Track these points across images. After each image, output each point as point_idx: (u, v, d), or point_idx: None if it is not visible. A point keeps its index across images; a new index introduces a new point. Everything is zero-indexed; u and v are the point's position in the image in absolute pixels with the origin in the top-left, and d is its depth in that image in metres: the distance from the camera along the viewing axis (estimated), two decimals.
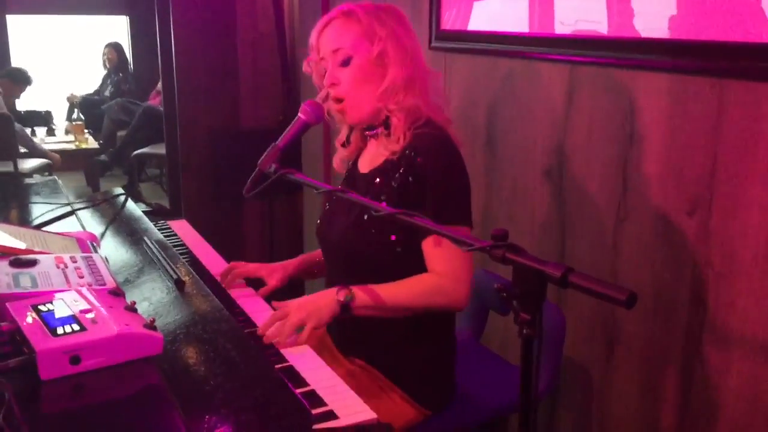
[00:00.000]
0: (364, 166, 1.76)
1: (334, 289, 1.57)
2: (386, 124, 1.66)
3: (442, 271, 1.58)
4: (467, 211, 1.63)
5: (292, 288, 1.92)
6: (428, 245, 1.59)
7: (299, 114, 1.69)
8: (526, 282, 1.08)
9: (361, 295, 1.56)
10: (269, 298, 1.76)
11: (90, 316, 1.23)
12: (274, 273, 1.87)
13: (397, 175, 1.62)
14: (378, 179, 1.67)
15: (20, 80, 6.38)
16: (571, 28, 2.02)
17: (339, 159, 1.85)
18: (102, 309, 1.26)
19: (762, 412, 1.62)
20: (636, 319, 1.93)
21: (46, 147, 6.20)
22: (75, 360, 1.15)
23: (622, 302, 0.96)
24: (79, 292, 1.33)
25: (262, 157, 1.65)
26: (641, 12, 1.81)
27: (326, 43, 1.66)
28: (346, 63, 1.63)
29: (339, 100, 1.66)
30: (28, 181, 5.02)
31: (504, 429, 2.26)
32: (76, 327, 1.19)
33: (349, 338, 1.77)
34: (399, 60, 1.62)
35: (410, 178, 1.59)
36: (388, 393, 1.69)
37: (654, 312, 1.87)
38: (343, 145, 1.83)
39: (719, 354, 1.71)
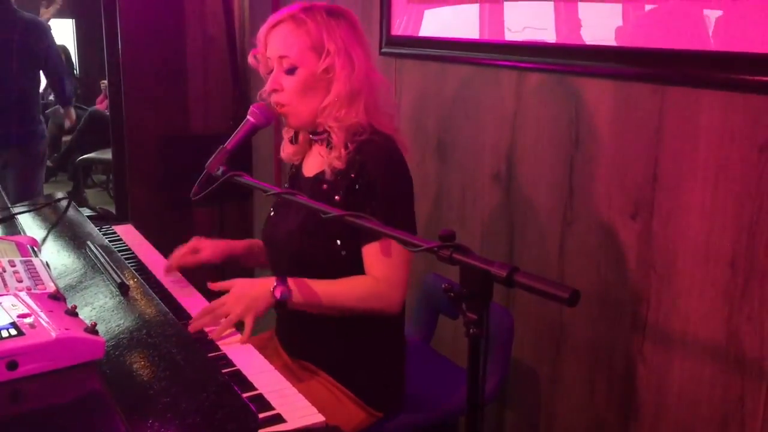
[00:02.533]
0: (309, 169, 1.76)
1: (271, 280, 1.56)
2: (329, 136, 1.66)
3: (380, 276, 1.59)
4: (411, 219, 1.65)
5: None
6: (368, 250, 1.60)
7: (248, 116, 1.67)
8: (473, 282, 1.08)
9: (297, 290, 1.57)
10: (205, 274, 1.76)
11: (28, 320, 1.20)
12: (212, 246, 1.88)
13: (342, 183, 1.62)
14: (323, 185, 1.67)
15: None
16: (520, 36, 2.05)
17: (286, 153, 1.84)
18: (41, 313, 1.23)
19: (703, 410, 1.66)
20: (582, 320, 1.96)
21: None
22: (12, 365, 1.11)
23: (565, 300, 0.97)
24: (17, 297, 1.29)
25: (210, 159, 1.63)
26: (589, 24, 1.85)
27: (273, 46, 1.65)
28: (291, 72, 1.62)
29: (280, 105, 1.66)
30: None
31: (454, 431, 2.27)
32: (13, 332, 1.15)
33: (297, 341, 1.76)
34: (345, 76, 1.61)
35: (356, 186, 1.60)
36: (337, 396, 1.68)
37: (599, 313, 1.90)
38: (291, 141, 1.82)
39: (662, 354, 1.75)
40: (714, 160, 1.58)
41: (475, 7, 2.19)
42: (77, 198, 5.06)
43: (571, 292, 0.97)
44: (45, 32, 4.05)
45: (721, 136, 1.57)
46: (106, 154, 5.13)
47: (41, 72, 4.13)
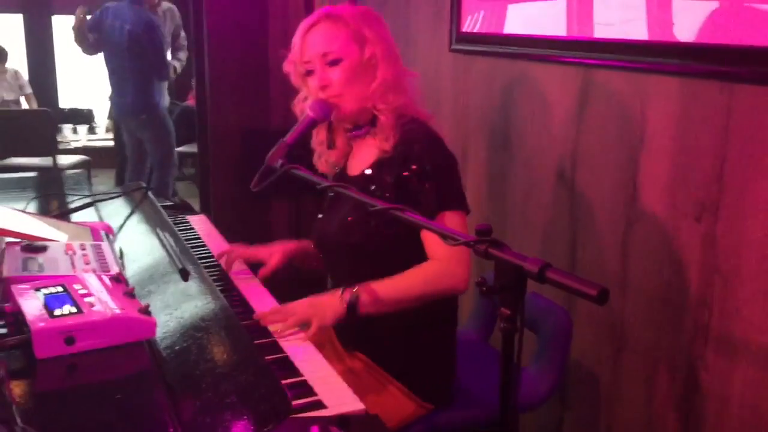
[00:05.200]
0: (354, 168, 1.79)
1: (338, 291, 1.59)
2: (372, 122, 1.70)
3: (442, 256, 1.60)
4: (463, 198, 1.67)
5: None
6: (427, 233, 1.61)
7: (307, 111, 1.72)
8: (507, 277, 1.09)
9: (365, 295, 1.57)
10: (270, 281, 1.79)
11: (89, 300, 1.28)
12: (273, 254, 1.90)
13: (393, 170, 1.64)
14: (373, 177, 1.69)
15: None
16: (611, 30, 1.97)
17: (325, 161, 1.87)
18: (101, 293, 1.31)
19: (765, 419, 1.60)
20: (643, 323, 1.91)
21: (87, 144, 6.38)
22: (70, 341, 1.19)
23: (593, 298, 0.96)
24: (83, 278, 1.38)
25: (271, 152, 1.69)
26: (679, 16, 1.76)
27: (313, 47, 1.68)
28: (335, 64, 1.66)
29: (335, 97, 1.68)
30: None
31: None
32: (73, 309, 1.23)
33: (350, 333, 1.79)
34: (388, 61, 1.67)
35: (406, 172, 1.62)
36: (387, 387, 1.70)
37: (661, 316, 1.86)
38: (328, 147, 1.85)
39: (723, 360, 1.69)
40: None
41: (562, 2, 2.11)
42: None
43: (599, 289, 0.97)
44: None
45: None
46: (194, 148, 5.34)
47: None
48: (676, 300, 1.80)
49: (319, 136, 1.85)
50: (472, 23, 2.52)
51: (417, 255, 1.64)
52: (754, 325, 1.61)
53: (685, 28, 1.71)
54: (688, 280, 1.76)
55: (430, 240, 1.62)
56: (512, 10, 2.31)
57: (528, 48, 2.25)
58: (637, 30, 1.85)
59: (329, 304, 1.58)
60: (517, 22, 2.30)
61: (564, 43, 2.09)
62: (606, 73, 1.98)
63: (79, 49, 5.17)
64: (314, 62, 1.68)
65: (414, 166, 1.62)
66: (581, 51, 2.04)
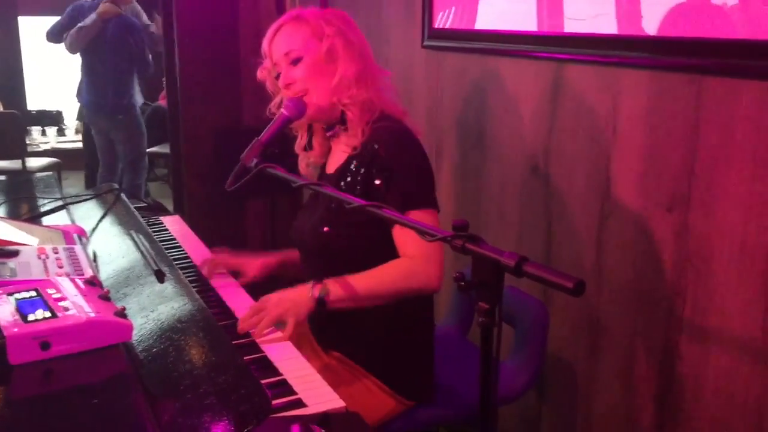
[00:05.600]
0: (331, 166, 1.80)
1: (308, 285, 1.59)
2: (342, 120, 1.71)
3: (413, 254, 1.60)
4: (432, 196, 1.66)
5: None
6: (397, 231, 1.62)
7: (281, 109, 1.72)
8: (485, 271, 1.09)
9: (335, 288, 1.58)
10: (248, 291, 1.79)
11: (63, 304, 1.26)
12: (254, 267, 1.89)
13: (362, 169, 1.65)
14: (344, 175, 1.70)
15: None
16: (582, 25, 1.97)
17: (305, 164, 1.88)
18: (75, 297, 1.29)
19: (739, 406, 1.63)
20: (619, 315, 1.94)
21: (56, 146, 6.29)
22: (45, 346, 1.18)
23: (570, 290, 0.97)
24: (56, 282, 1.36)
25: (245, 151, 1.68)
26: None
27: (277, 48, 1.71)
28: (296, 62, 1.68)
29: (301, 94, 1.69)
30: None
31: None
32: (47, 314, 1.22)
33: (328, 331, 1.79)
34: (348, 56, 1.67)
35: (374, 170, 1.63)
36: (366, 385, 1.71)
37: (636, 307, 1.88)
38: (305, 149, 1.85)
39: (698, 349, 1.72)
40: (751, 152, 1.54)
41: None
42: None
43: (575, 282, 0.98)
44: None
45: (758, 126, 1.52)
46: (166, 148, 5.29)
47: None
48: (651, 291, 1.82)
49: (301, 140, 1.86)
50: (444, 19, 2.53)
51: (389, 255, 1.63)
52: (727, 314, 1.63)
53: (654, 21, 1.73)
54: (662, 271, 1.78)
55: (401, 238, 1.61)
56: (483, 5, 2.32)
57: (499, 43, 2.26)
58: (606, 24, 1.87)
59: (300, 297, 1.58)
60: (489, 18, 2.31)
61: (535, 38, 2.11)
62: (577, 68, 2.00)
63: (48, 50, 5.13)
64: (280, 63, 1.71)
65: (379, 165, 1.62)
66: (552, 46, 2.05)
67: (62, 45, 5.09)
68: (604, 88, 1.90)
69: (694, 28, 1.63)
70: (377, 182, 1.62)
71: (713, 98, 1.61)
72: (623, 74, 1.84)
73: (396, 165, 1.62)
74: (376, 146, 1.63)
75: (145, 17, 5.27)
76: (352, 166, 1.68)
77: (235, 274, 1.90)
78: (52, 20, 5.23)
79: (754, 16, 1.51)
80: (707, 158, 1.64)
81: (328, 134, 1.78)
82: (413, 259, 1.60)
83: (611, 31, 1.85)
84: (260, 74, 1.80)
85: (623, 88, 1.85)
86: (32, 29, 7.51)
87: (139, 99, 5.22)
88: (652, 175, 1.79)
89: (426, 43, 2.61)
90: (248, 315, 1.57)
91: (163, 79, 6.00)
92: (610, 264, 1.95)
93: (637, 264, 1.86)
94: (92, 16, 4.89)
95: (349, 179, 1.68)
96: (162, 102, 6.90)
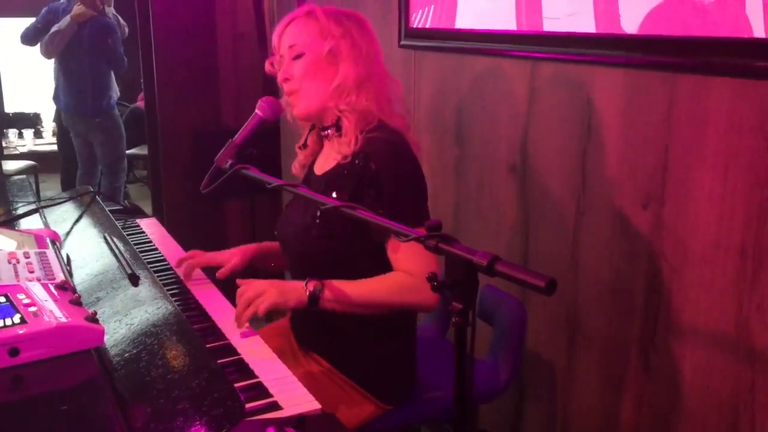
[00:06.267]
0: (319, 168, 1.76)
1: (304, 281, 1.56)
2: (338, 125, 1.66)
3: (413, 270, 1.54)
4: (423, 215, 1.60)
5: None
6: (394, 245, 1.56)
7: (256, 110, 1.70)
8: (458, 271, 1.09)
9: (331, 288, 1.55)
10: (228, 281, 1.76)
11: (33, 309, 1.24)
12: (233, 256, 1.86)
13: (350, 181, 1.60)
14: (331, 183, 1.65)
15: None
16: (560, 24, 1.98)
17: (298, 164, 1.85)
18: (46, 302, 1.27)
19: (714, 400, 1.64)
20: (595, 311, 1.94)
21: (34, 149, 6.22)
22: (14, 352, 1.16)
23: (541, 289, 0.97)
24: (26, 287, 1.34)
25: (220, 153, 1.67)
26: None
27: (285, 41, 1.67)
28: (298, 57, 1.64)
29: (290, 94, 1.67)
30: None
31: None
32: (16, 320, 1.20)
33: (309, 334, 1.77)
34: (351, 59, 1.61)
35: (364, 183, 1.57)
36: (345, 389, 1.69)
37: (612, 304, 1.89)
38: (300, 148, 1.83)
39: (674, 344, 1.73)
40: (724, 149, 1.55)
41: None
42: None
43: (547, 281, 0.98)
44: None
45: (731, 124, 1.53)
46: (145, 150, 5.25)
47: None
48: (627, 287, 1.83)
49: (301, 140, 1.83)
50: (422, 18, 2.52)
51: (367, 265, 1.60)
52: (701, 309, 1.64)
53: (631, 20, 1.74)
54: (638, 268, 1.79)
55: (399, 252, 1.56)
56: (462, 4, 2.32)
57: (477, 42, 2.25)
58: (584, 23, 1.87)
59: (294, 289, 1.55)
60: (467, 17, 2.31)
61: (513, 37, 2.11)
62: (555, 66, 2.00)
63: (25, 51, 5.08)
64: (285, 56, 1.67)
65: (369, 179, 1.56)
66: (530, 45, 2.05)
67: (37, 48, 5.04)
68: (580, 87, 1.90)
69: (673, 27, 1.63)
70: (366, 196, 1.56)
71: (687, 96, 1.62)
72: (599, 72, 1.85)
73: (386, 180, 1.55)
74: (366, 160, 1.57)
75: (120, 18, 5.23)
76: (341, 176, 1.62)
77: (211, 271, 1.88)
78: (27, 21, 5.17)
79: (729, 14, 1.52)
80: (681, 155, 1.65)
81: (322, 133, 1.73)
82: (414, 277, 1.54)
83: (589, 29, 1.85)
84: (268, 67, 1.76)
85: (599, 86, 1.85)
86: (7, 30, 7.42)
87: (114, 95, 5.19)
88: (627, 172, 1.80)
89: (403, 42, 2.61)
90: (242, 309, 1.53)
91: (141, 80, 5.96)
92: (587, 261, 1.95)
93: (613, 260, 1.87)
94: (66, 19, 4.84)
95: (336, 186, 1.63)
96: (140, 103, 6.85)
